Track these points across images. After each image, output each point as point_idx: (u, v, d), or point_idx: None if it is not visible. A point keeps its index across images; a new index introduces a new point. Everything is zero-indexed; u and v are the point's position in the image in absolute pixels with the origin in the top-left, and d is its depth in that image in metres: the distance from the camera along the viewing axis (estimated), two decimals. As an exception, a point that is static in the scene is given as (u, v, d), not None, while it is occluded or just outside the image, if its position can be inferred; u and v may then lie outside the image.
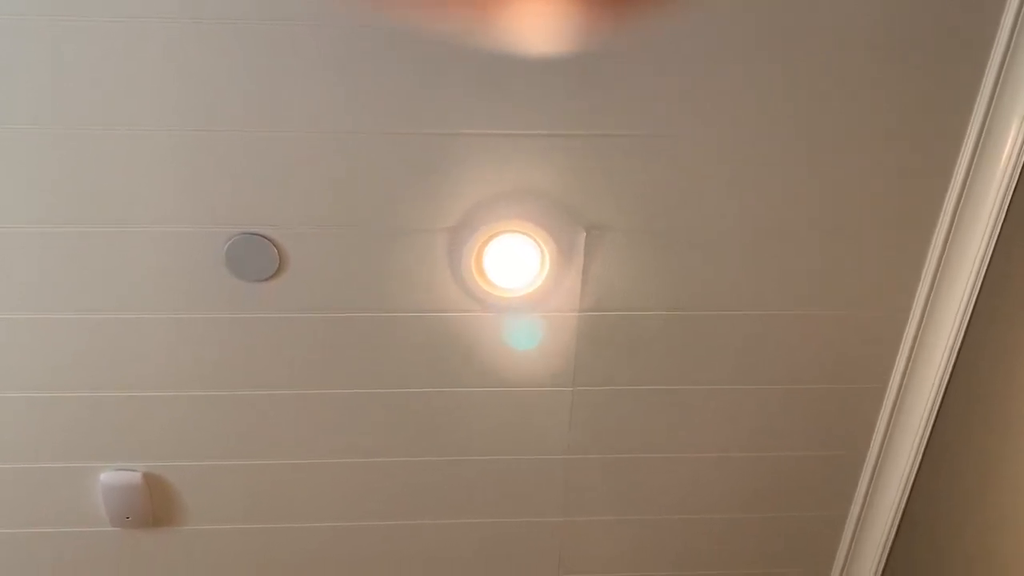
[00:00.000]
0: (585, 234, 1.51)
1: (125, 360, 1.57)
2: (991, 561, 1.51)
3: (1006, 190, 1.44)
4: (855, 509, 1.88)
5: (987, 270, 1.51)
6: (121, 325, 1.53)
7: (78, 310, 1.51)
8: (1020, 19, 1.35)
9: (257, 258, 1.48)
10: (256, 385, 1.62)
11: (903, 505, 1.79)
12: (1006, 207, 1.45)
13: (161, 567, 1.83)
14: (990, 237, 1.49)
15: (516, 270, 1.53)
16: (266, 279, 1.50)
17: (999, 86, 1.40)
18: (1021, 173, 1.43)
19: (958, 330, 1.57)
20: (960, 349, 1.59)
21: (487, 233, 1.49)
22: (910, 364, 1.68)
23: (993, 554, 1.51)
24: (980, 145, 1.45)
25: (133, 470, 1.68)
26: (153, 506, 1.72)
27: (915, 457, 1.73)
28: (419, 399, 1.67)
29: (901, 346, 1.68)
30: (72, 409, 1.61)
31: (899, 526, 1.81)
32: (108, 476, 1.67)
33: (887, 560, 1.86)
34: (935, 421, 1.67)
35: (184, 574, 1.84)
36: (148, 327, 1.54)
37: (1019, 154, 1.41)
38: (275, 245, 1.47)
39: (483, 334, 1.61)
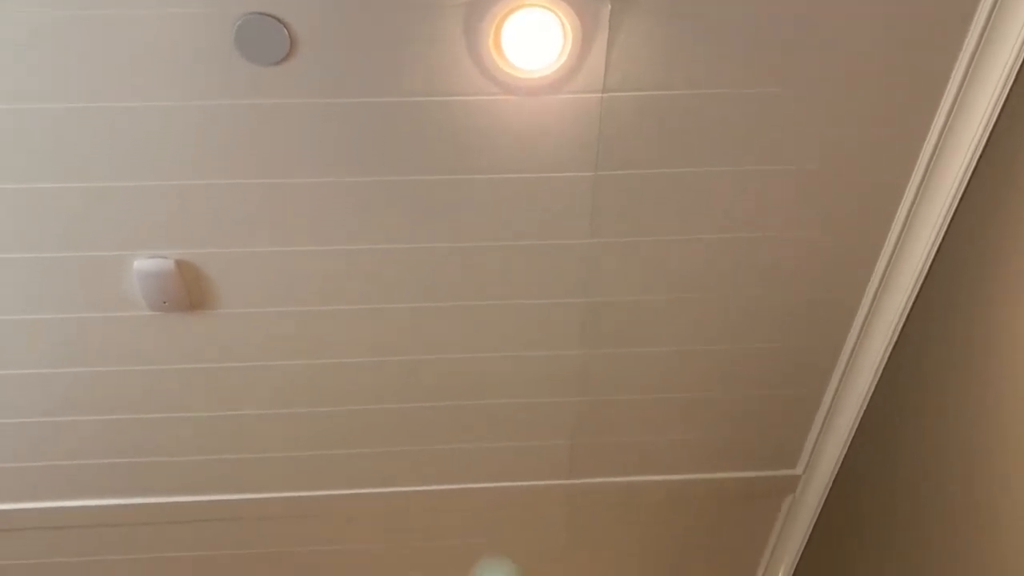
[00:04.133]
0: (610, 6, 1.43)
1: (140, 149, 1.56)
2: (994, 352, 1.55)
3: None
4: (870, 292, 1.91)
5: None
6: (133, 113, 1.51)
7: (91, 98, 1.48)
8: None
9: (268, 40, 1.42)
10: (272, 173, 1.61)
11: (917, 291, 1.81)
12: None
13: (201, 348, 1.92)
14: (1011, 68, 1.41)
15: (537, 48, 1.46)
16: (278, 62, 1.46)
17: None
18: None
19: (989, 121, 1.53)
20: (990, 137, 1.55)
21: (505, 8, 1.41)
22: (936, 154, 1.64)
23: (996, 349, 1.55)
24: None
25: (165, 257, 1.73)
26: (188, 291, 1.78)
27: (931, 248, 1.73)
28: (438, 186, 1.67)
29: (928, 135, 1.63)
30: (96, 199, 1.63)
31: (911, 310, 1.85)
32: (142, 263, 1.72)
33: (898, 338, 1.92)
34: (952, 219, 1.66)
35: (225, 354, 1.94)
36: (160, 114, 1.51)
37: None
38: (285, 26, 1.41)
39: (503, 118, 1.57)
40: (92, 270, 1.74)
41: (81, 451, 2.13)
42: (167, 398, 2.02)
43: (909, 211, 1.74)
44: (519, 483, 2.34)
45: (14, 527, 2.31)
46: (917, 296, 1.83)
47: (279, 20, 1.40)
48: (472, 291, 1.86)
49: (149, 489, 2.25)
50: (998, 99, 1.51)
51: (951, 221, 1.69)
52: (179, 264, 1.74)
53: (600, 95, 1.55)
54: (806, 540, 2.47)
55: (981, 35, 1.48)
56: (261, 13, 1.39)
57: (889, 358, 1.96)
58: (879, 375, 1.99)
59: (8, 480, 2.19)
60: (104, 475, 2.20)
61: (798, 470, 2.37)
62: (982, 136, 1.55)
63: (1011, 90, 1.48)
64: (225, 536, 2.42)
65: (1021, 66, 1.46)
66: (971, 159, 1.58)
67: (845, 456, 2.20)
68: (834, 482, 2.28)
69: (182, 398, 2.02)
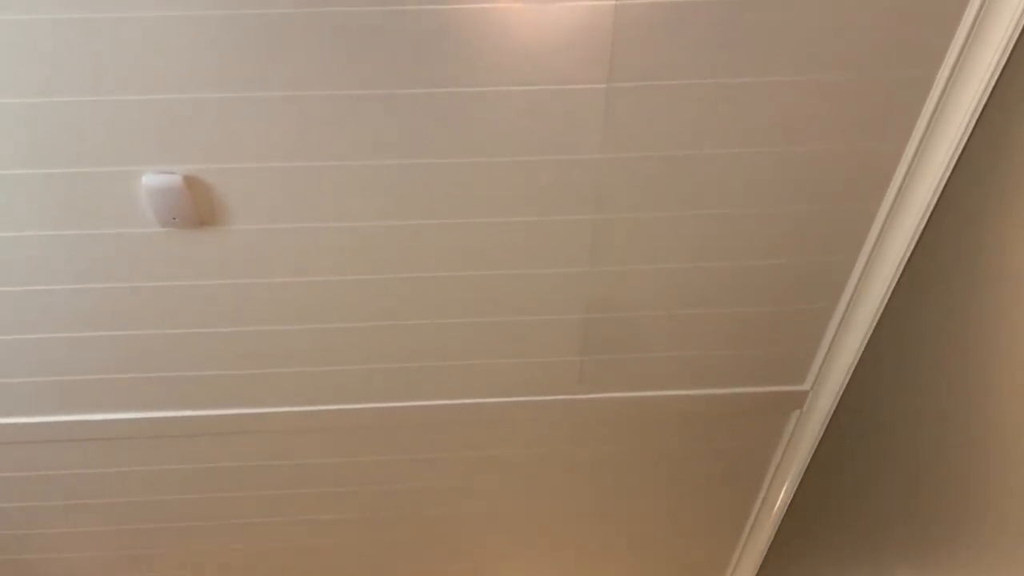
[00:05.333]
0: (624, -92, 1.37)
1: (144, 61, 1.53)
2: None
3: None
4: (885, 206, 1.89)
5: None
6: (136, 24, 1.48)
7: (94, 9, 1.45)
8: None
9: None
10: (279, 85, 1.59)
11: (934, 205, 1.79)
12: None
13: (213, 263, 1.92)
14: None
15: (548, -48, 1.42)
16: (282, -31, 1.42)
17: None
18: None
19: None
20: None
21: (516, -90, 1.36)
22: (964, 49, 1.59)
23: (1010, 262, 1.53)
24: None
25: (173, 173, 1.71)
26: (197, 207, 1.78)
27: (949, 163, 1.70)
28: (443, 100, 1.63)
29: (956, 34, 1.59)
30: (102, 114, 1.61)
31: (927, 225, 1.83)
32: (149, 179, 1.71)
33: (912, 254, 1.90)
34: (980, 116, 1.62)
35: (237, 269, 1.95)
36: (164, 25, 1.48)
37: None
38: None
39: (510, 27, 1.53)
40: (100, 186, 1.73)
41: (94, 366, 2.16)
42: (180, 314, 2.04)
43: (929, 122, 1.71)
44: (528, 398, 2.37)
45: (22, 440, 2.36)
46: (933, 211, 1.80)
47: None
48: (480, 208, 1.85)
49: (162, 404, 2.29)
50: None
51: (972, 131, 1.65)
52: (187, 180, 1.73)
53: (614, 2, 1.50)
54: (811, 455, 2.51)
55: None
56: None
57: (902, 274, 1.95)
58: (891, 291, 1.99)
59: (21, 395, 2.23)
60: (117, 390, 2.24)
61: (806, 386, 2.38)
62: (1016, 25, 1.51)
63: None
64: (239, 449, 2.48)
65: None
66: (1004, 50, 1.54)
67: (854, 373, 2.21)
68: (841, 398, 2.30)
69: (195, 314, 2.04)
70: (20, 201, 1.75)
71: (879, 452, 2.09)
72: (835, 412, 2.34)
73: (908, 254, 1.90)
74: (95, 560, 2.95)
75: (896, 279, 1.96)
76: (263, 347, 2.14)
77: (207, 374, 2.21)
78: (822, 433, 2.42)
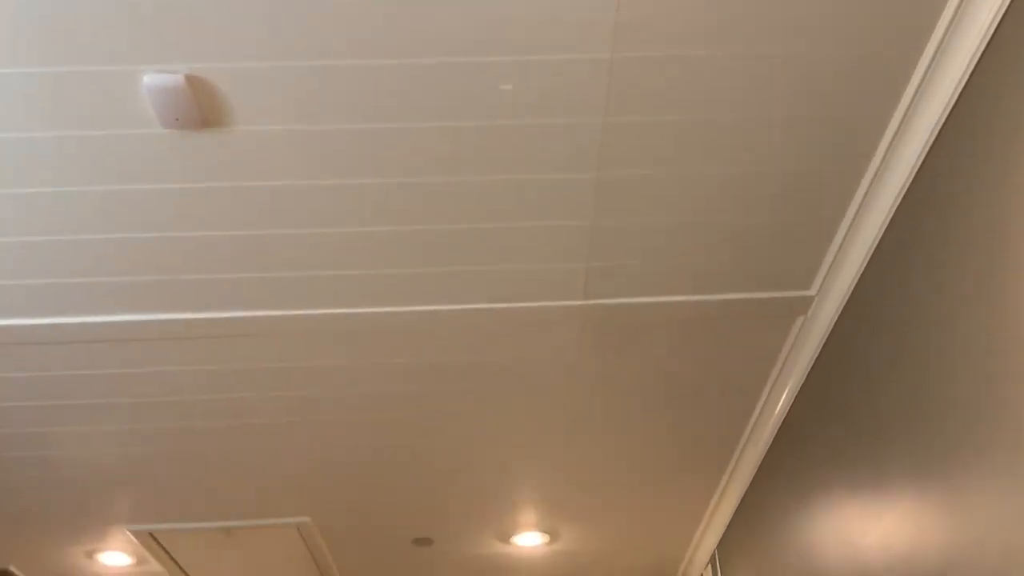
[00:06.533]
0: None
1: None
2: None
3: None
4: (899, 112, 1.86)
5: None
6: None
7: None
8: None
9: None
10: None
11: (948, 112, 1.76)
12: None
13: (217, 165, 1.91)
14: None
15: None
16: None
17: None
18: None
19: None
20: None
21: None
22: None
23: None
24: None
25: (174, 72, 1.68)
26: (200, 107, 1.75)
27: (971, 61, 1.66)
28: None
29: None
30: (100, 9, 1.56)
31: (942, 129, 1.80)
32: (151, 78, 1.68)
33: (924, 161, 1.88)
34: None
35: (241, 172, 1.93)
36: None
37: None
38: None
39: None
40: (100, 85, 1.70)
41: (98, 268, 2.17)
42: (183, 216, 2.03)
43: (946, 30, 1.66)
44: (532, 304, 2.39)
45: (25, 341, 2.40)
46: (947, 120, 1.77)
47: None
48: (484, 111, 1.81)
49: (165, 306, 2.31)
50: None
51: (990, 41, 1.60)
52: (189, 79, 1.69)
53: None
54: (814, 360, 2.54)
55: None
56: None
57: (913, 181, 1.93)
58: (901, 198, 1.97)
59: (29, 296, 2.25)
60: (119, 292, 2.25)
61: (812, 291, 2.39)
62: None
63: None
64: (239, 351, 2.51)
65: None
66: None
67: (860, 279, 2.22)
68: (846, 305, 2.31)
69: (198, 216, 2.03)
70: (18, 101, 1.72)
71: (882, 359, 2.11)
72: (839, 319, 2.36)
73: (920, 161, 1.88)
74: (111, 456, 3.04)
75: (907, 186, 1.94)
76: (268, 250, 2.15)
77: (209, 277, 2.22)
78: (825, 339, 2.44)
